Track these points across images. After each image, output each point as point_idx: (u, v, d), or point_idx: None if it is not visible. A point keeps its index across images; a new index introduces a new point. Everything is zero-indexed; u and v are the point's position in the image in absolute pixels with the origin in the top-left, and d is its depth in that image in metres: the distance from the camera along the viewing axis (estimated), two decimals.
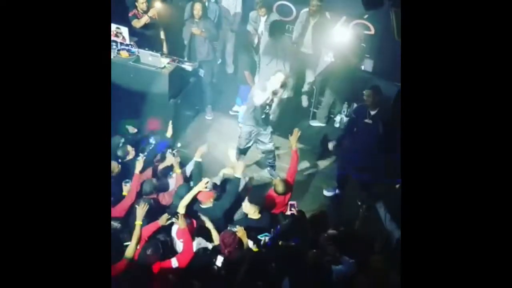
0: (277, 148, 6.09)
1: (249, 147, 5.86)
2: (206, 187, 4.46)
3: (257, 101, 5.30)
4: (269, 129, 5.68)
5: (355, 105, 6.42)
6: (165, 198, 4.72)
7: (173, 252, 4.13)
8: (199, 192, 4.43)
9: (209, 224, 4.31)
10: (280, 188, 4.69)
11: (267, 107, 5.44)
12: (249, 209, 4.38)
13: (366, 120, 5.23)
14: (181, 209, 4.32)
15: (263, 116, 5.47)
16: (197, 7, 6.42)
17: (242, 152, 5.93)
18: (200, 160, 4.93)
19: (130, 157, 5.21)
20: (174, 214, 4.16)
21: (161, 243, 3.99)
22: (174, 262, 3.89)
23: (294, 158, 5.06)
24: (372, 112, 5.20)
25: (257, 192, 4.51)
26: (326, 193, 6.00)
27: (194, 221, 4.31)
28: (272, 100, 5.37)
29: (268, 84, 5.27)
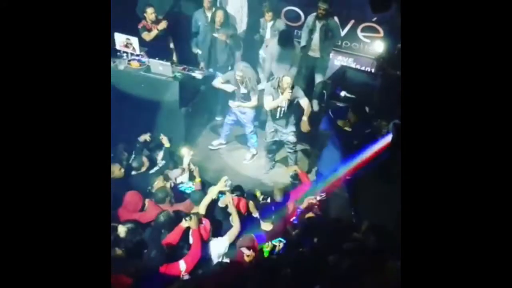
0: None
1: (276, 141, 6.03)
2: (225, 185, 4.58)
3: (268, 106, 5.61)
4: (290, 120, 5.79)
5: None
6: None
7: None
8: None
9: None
10: (278, 196, 4.81)
11: (281, 109, 5.58)
12: (265, 225, 4.42)
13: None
14: (202, 210, 4.42)
15: (280, 114, 5.64)
16: (219, 14, 6.45)
17: (270, 148, 6.15)
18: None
19: (144, 168, 5.27)
20: (187, 215, 4.20)
21: (167, 245, 4.03)
22: (182, 265, 3.89)
23: (305, 180, 5.32)
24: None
25: (268, 208, 4.55)
26: None
27: (209, 223, 4.31)
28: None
29: (277, 90, 5.45)
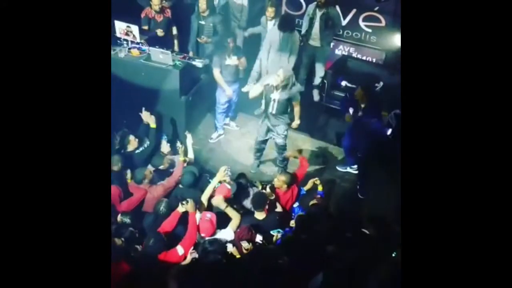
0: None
1: (267, 140, 5.84)
2: (225, 175, 4.55)
3: (251, 95, 5.51)
4: (284, 121, 5.56)
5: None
6: (156, 190, 4.80)
7: None
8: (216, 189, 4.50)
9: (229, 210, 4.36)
10: (283, 177, 4.74)
11: (272, 102, 5.36)
12: (258, 214, 4.42)
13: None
14: (204, 201, 4.43)
15: (271, 110, 5.42)
16: (202, 1, 6.41)
17: (260, 147, 5.97)
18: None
19: (131, 147, 5.29)
20: (183, 199, 4.19)
21: (164, 233, 4.05)
22: (179, 249, 3.92)
23: (303, 166, 5.18)
24: (362, 105, 5.34)
25: (258, 197, 4.53)
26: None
27: (215, 216, 4.29)
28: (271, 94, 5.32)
29: (266, 79, 5.35)
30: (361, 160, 5.74)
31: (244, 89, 6.62)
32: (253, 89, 5.52)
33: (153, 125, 5.47)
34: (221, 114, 6.50)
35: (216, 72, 6.05)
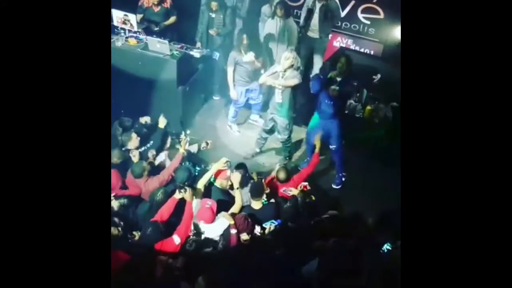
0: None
1: (271, 129, 5.89)
2: (224, 166, 4.60)
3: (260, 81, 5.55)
4: (286, 117, 5.58)
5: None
6: (152, 184, 4.72)
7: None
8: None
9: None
10: (282, 175, 4.79)
11: (279, 93, 5.38)
12: (255, 204, 4.43)
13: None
14: (201, 187, 4.45)
15: (279, 104, 5.45)
16: (214, 3, 6.44)
17: (265, 135, 6.02)
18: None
19: (132, 145, 5.14)
20: (181, 187, 4.18)
21: (160, 219, 4.06)
22: (176, 238, 3.93)
23: (314, 161, 5.12)
24: (338, 79, 5.22)
25: (256, 185, 4.53)
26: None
27: (215, 204, 4.29)
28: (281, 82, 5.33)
29: (277, 67, 5.34)
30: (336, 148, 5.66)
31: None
32: (262, 78, 5.53)
33: (161, 125, 5.35)
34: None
35: (230, 71, 6.05)
